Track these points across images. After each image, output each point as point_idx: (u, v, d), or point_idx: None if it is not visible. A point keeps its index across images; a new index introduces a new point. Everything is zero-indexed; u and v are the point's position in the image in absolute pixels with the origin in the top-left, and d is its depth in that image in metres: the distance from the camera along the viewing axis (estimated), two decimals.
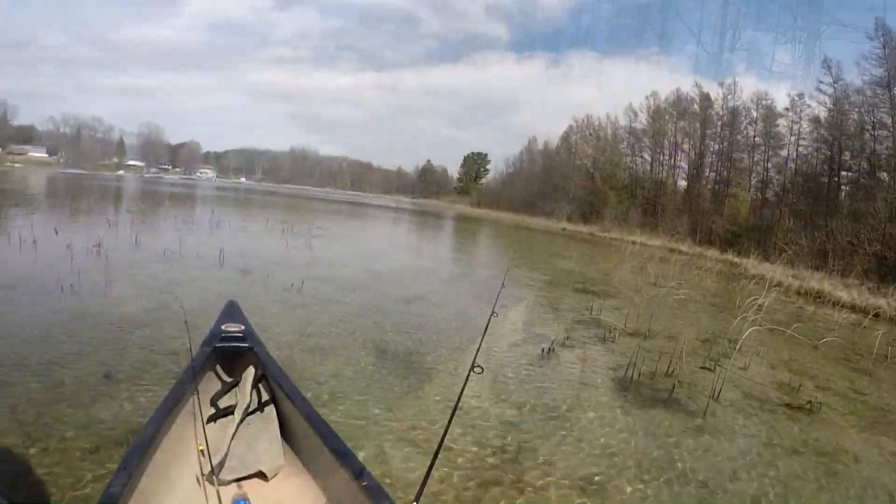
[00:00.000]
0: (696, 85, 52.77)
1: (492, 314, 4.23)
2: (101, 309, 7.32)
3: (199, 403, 3.33)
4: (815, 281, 21.26)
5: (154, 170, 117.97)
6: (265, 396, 3.81)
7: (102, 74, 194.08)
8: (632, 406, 5.88)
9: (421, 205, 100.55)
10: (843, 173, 35.08)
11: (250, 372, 3.88)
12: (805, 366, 8.69)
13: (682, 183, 53.10)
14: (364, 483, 2.57)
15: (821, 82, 36.75)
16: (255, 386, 3.85)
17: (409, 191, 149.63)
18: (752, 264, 26.58)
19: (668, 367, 7.27)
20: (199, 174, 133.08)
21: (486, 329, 4.08)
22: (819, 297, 18.56)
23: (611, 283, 15.50)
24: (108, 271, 9.65)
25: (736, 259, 30.24)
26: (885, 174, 31.44)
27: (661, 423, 5.51)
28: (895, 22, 31.33)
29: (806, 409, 6.48)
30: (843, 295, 18.95)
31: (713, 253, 32.84)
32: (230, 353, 4.12)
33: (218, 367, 4.17)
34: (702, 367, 7.73)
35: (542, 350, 7.56)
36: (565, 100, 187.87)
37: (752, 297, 14.05)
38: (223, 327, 4.26)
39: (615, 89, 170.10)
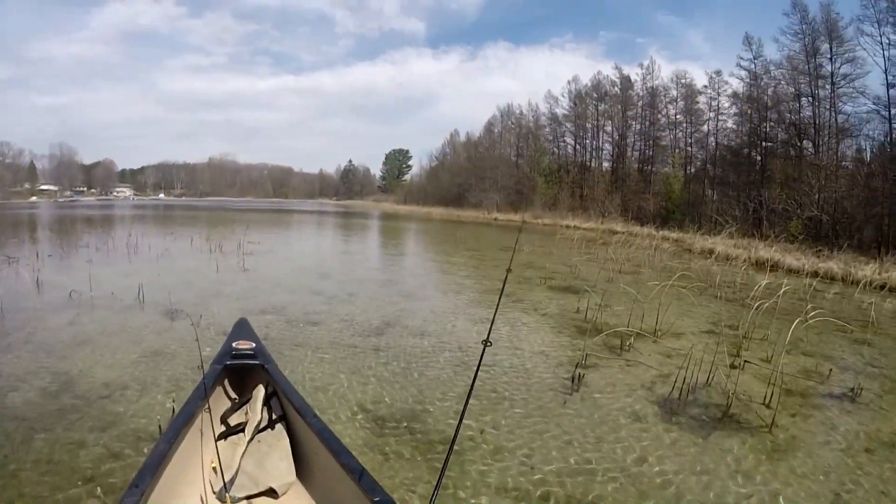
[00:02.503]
0: (616, 67, 53.99)
1: (485, 344, 3.24)
2: None
3: (212, 421, 3.27)
4: (763, 250, 21.26)
5: (69, 193, 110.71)
6: (276, 413, 3.73)
7: (8, 93, 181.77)
8: (697, 436, 4.87)
9: (346, 206, 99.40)
10: (766, 144, 36.49)
11: (261, 389, 3.82)
12: (817, 346, 8.33)
13: (607, 165, 54.07)
14: (377, 499, 2.51)
15: (741, 58, 38.56)
16: (266, 403, 3.77)
17: (332, 193, 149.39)
18: (696, 240, 26.57)
19: (707, 375, 6.37)
20: (115, 194, 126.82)
21: (479, 362, 3.33)
22: (771, 266, 18.43)
23: (578, 274, 14.54)
24: None
25: (674, 235, 30.32)
26: (808, 143, 32.66)
27: (737, 452, 4.62)
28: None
29: (850, 397, 6.08)
30: (793, 261, 19.08)
31: (648, 230, 32.96)
32: (241, 370, 4.08)
33: (229, 385, 4.12)
34: (731, 367, 6.88)
35: (571, 379, 6.23)
36: (484, 91, 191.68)
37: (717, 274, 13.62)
38: (234, 344, 4.20)
39: (532, 78, 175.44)
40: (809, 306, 9.24)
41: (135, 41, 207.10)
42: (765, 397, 5.72)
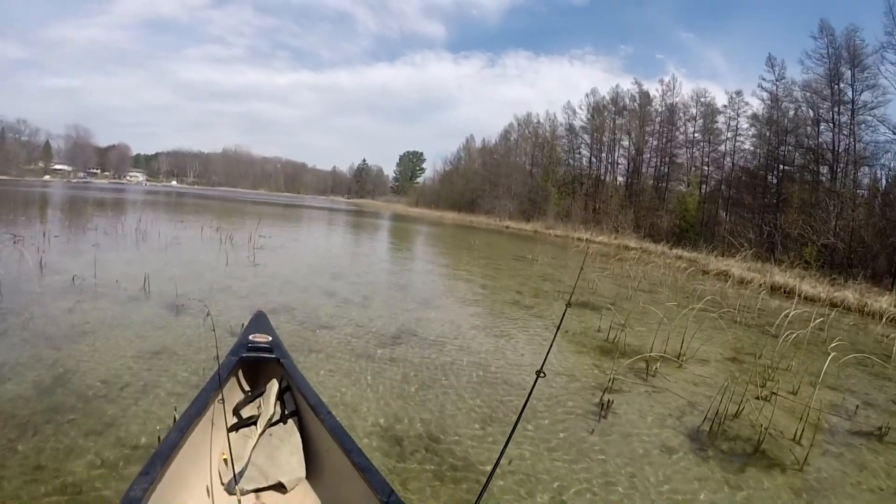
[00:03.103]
0: (636, 82, 53.90)
1: (538, 374, 3.06)
2: None
3: (225, 412, 3.26)
4: (778, 276, 20.92)
5: (82, 174, 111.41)
6: (289, 408, 3.70)
7: (28, 74, 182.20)
8: (729, 472, 4.63)
9: (357, 205, 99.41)
10: (784, 168, 36.12)
11: (275, 383, 3.82)
12: (840, 379, 8.10)
13: (622, 179, 53.93)
14: (386, 500, 2.47)
15: (763, 79, 38.05)
16: (279, 397, 3.76)
17: (344, 191, 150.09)
18: (712, 261, 26.26)
19: (735, 406, 6.08)
20: (128, 178, 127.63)
21: (530, 393, 3.21)
22: (786, 293, 18.35)
23: (596, 290, 14.24)
24: None
25: (687, 254, 29.94)
26: (825, 168, 32.21)
27: (772, 491, 4.41)
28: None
29: (877, 436, 5.90)
30: (809, 288, 18.74)
31: (662, 248, 32.69)
32: (256, 363, 4.09)
33: (243, 377, 4.13)
34: (757, 398, 6.59)
35: (599, 405, 5.91)
36: (501, 98, 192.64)
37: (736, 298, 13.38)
38: (250, 337, 4.21)
39: (550, 88, 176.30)
40: (835, 338, 9.08)
41: (155, 29, 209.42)
42: (794, 433, 5.52)
